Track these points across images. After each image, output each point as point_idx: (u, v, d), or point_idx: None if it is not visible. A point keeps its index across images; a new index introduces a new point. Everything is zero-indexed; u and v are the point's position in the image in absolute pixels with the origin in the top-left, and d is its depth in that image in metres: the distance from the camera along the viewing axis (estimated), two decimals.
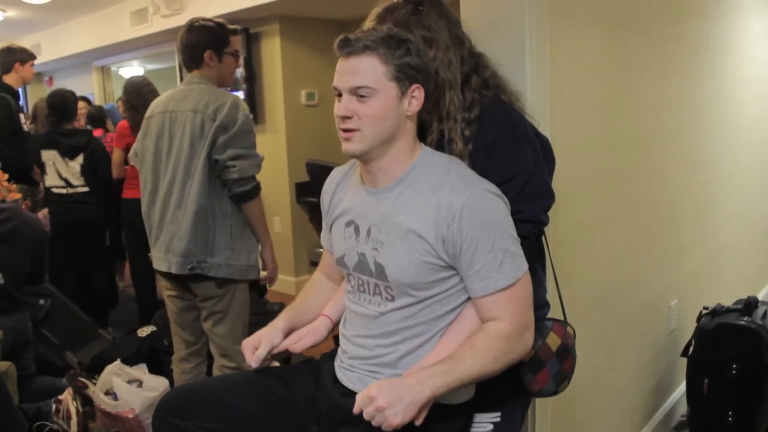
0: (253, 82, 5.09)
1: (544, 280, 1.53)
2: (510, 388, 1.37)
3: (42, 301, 3.48)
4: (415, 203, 1.26)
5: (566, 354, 1.42)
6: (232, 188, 2.24)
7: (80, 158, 3.99)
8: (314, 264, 5.06)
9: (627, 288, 2.27)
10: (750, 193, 3.72)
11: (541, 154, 1.41)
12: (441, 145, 1.40)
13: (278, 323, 1.46)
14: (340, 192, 1.44)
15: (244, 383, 1.41)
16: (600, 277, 2.08)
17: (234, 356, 2.34)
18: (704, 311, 2.58)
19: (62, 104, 3.98)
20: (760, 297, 3.91)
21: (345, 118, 1.25)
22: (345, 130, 1.26)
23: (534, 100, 1.61)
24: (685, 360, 2.58)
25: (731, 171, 3.34)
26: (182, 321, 2.50)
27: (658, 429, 2.60)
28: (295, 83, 5.04)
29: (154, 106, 2.40)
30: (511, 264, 1.23)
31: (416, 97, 1.28)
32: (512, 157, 1.35)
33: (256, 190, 2.30)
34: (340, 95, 1.27)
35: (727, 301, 2.65)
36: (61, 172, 3.97)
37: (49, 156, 3.95)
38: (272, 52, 4.97)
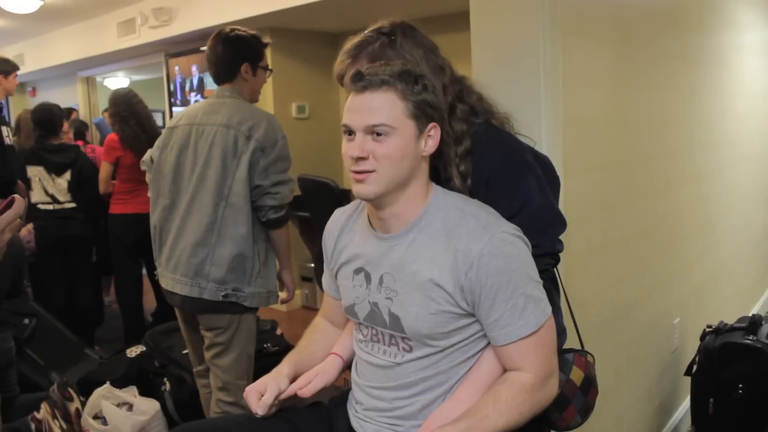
0: None
1: (560, 306, 1.47)
2: (534, 424, 1.32)
3: (26, 321, 3.39)
4: (431, 250, 1.18)
5: (590, 385, 1.37)
6: (267, 214, 2.13)
7: (67, 174, 3.90)
8: (305, 279, 4.98)
9: (633, 308, 2.23)
10: (745, 208, 3.72)
11: (544, 176, 1.34)
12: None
13: (283, 369, 1.36)
14: (346, 237, 1.34)
15: (248, 425, 1.32)
16: (609, 299, 2.04)
17: (234, 391, 2.21)
18: (708, 329, 2.55)
19: (48, 119, 3.88)
20: (755, 311, 3.90)
21: (360, 159, 1.15)
22: (358, 172, 1.16)
23: (548, 119, 1.56)
24: (687, 378, 2.54)
25: (730, 186, 3.34)
26: (192, 342, 2.40)
27: None
28: (285, 96, 4.98)
29: (180, 117, 2.26)
30: (534, 309, 1.16)
31: (432, 137, 1.20)
32: (515, 190, 1.28)
33: (288, 216, 2.21)
34: (350, 134, 1.18)
35: (726, 317, 2.63)
36: (48, 188, 3.87)
37: (35, 172, 3.85)
38: None
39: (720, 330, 2.52)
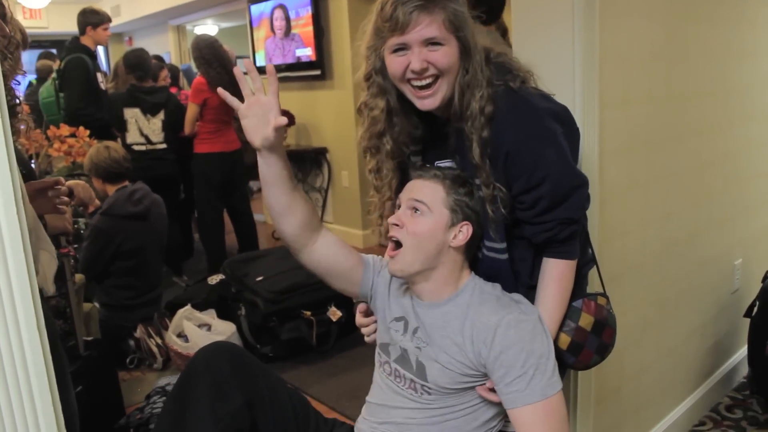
0: (321, 39, 5.13)
1: (589, 236, 1.51)
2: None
3: None
4: (459, 320, 1.32)
5: (603, 327, 1.42)
6: None
7: (161, 114, 4.20)
8: (380, 216, 5.13)
9: (684, 245, 2.22)
10: None
11: (563, 135, 1.33)
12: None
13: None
14: (396, 294, 1.45)
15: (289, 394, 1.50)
16: (654, 232, 2.05)
17: None
18: None
19: (140, 62, 4.18)
20: None
21: (394, 225, 1.33)
22: (392, 242, 1.34)
23: (581, 51, 1.58)
24: (749, 321, 2.51)
25: None
26: None
27: (716, 388, 2.56)
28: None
29: None
30: (541, 380, 1.25)
31: (463, 232, 1.33)
32: (535, 163, 1.30)
33: None
34: (399, 206, 1.37)
35: None
36: (143, 128, 4.18)
37: (131, 114, 4.17)
38: (340, 8, 4.99)
39: None
